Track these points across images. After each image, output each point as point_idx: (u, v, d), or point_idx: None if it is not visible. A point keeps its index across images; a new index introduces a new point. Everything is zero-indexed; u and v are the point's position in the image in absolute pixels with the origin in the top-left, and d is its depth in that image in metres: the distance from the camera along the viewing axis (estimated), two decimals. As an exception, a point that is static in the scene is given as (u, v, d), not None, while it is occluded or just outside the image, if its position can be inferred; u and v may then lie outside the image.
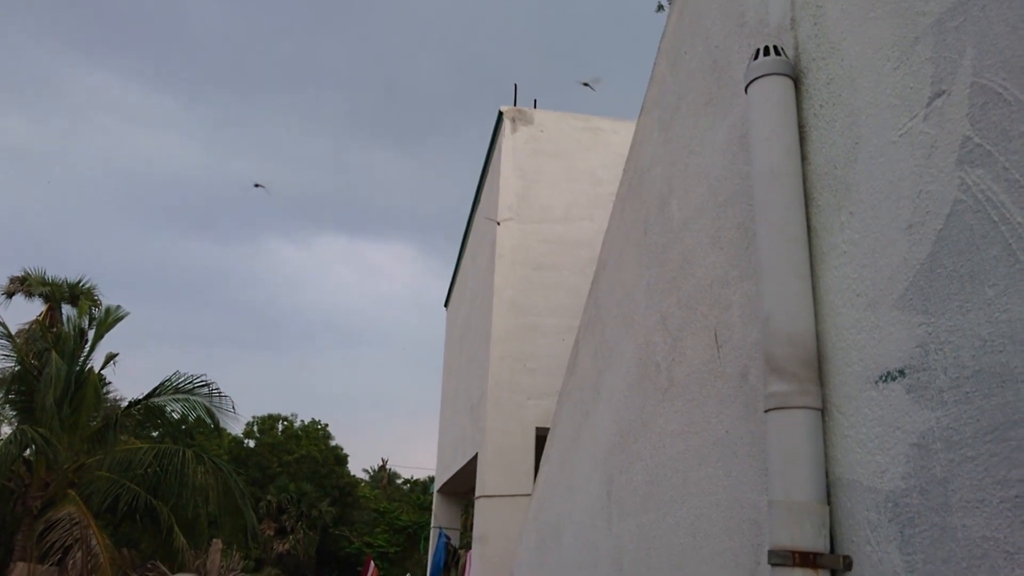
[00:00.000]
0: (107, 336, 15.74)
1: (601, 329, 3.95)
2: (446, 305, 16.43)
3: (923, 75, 1.62)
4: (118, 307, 16.27)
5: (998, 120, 1.41)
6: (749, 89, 2.17)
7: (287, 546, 37.33)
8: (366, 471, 52.45)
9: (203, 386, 15.74)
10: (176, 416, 16.53)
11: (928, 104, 1.60)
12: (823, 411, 1.84)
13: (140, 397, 15.58)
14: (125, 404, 16.39)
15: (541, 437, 8.08)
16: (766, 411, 1.90)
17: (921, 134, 1.61)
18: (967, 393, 1.41)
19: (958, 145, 1.50)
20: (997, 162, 1.40)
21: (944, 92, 1.55)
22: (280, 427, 45.03)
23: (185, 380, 15.66)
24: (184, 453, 14.73)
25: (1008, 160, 1.37)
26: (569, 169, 9.00)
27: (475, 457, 9.08)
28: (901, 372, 1.59)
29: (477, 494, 8.61)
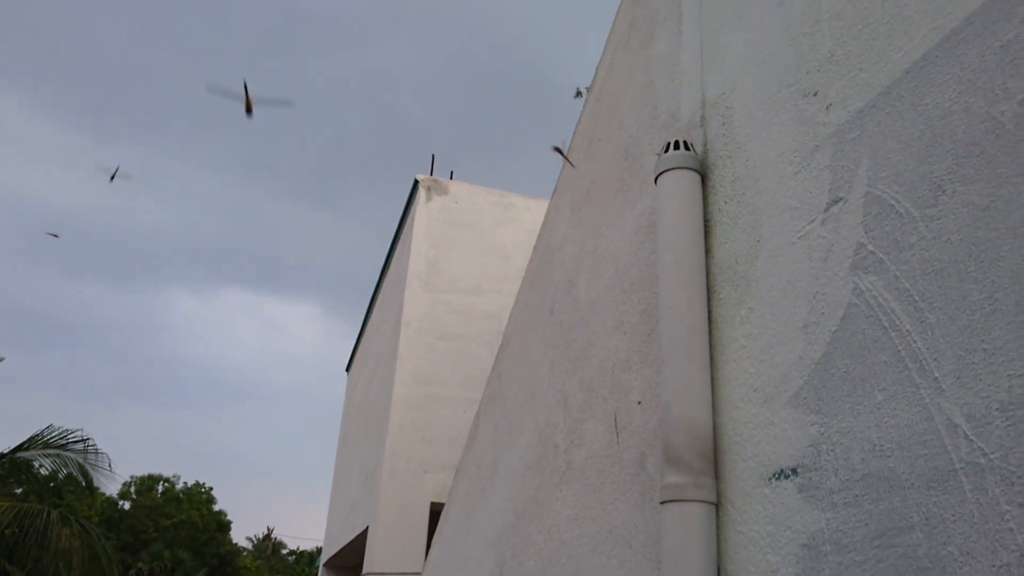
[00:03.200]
0: (-25, 382, 14.58)
1: (503, 405, 3.90)
2: (348, 369, 16.05)
3: (822, 181, 1.69)
4: (-9, 351, 15.13)
5: (890, 230, 1.46)
6: (658, 180, 2.22)
7: (155, 619, 34.76)
8: (250, 539, 49.84)
9: (78, 441, 14.65)
10: (45, 472, 15.32)
11: (826, 209, 1.66)
12: (718, 505, 1.82)
13: (5, 451, 14.39)
14: (-13, 457, 15.09)
15: (436, 512, 7.85)
16: (662, 503, 1.88)
17: (819, 237, 1.66)
18: (856, 496, 1.42)
19: (853, 251, 1.55)
20: (889, 270, 1.45)
21: (841, 199, 1.61)
22: (160, 488, 42.47)
23: (58, 434, 14.56)
24: (49, 513, 13.59)
25: (899, 269, 1.42)
26: (481, 242, 9.05)
27: (366, 530, 8.73)
28: (794, 471, 1.60)
29: (365, 570, 8.23)
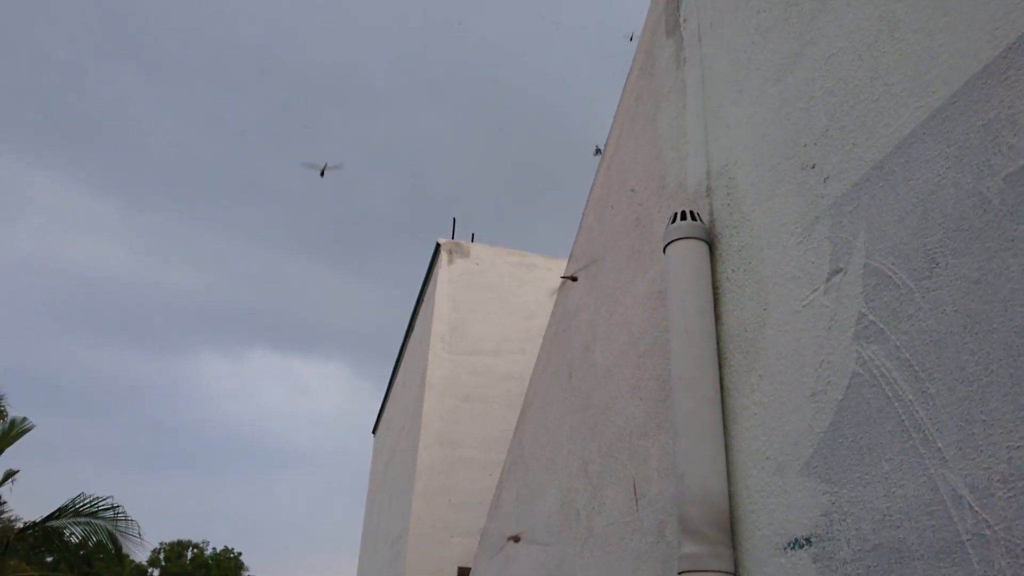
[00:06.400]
0: (9, 450, 14.75)
1: (524, 471, 3.90)
2: (374, 432, 16.03)
3: (823, 252, 1.73)
4: (24, 419, 15.31)
5: (889, 301, 1.50)
6: (667, 250, 2.27)
7: None
8: (278, 605, 49.15)
9: (108, 509, 14.75)
10: (76, 540, 15.37)
11: (828, 279, 1.69)
12: (735, 575, 1.82)
13: (37, 520, 14.48)
14: (20, 526, 15.18)
15: (463, 577, 7.74)
16: (679, 573, 1.88)
17: (822, 307, 1.70)
18: (869, 567, 1.42)
19: (855, 320, 1.59)
20: (889, 340, 1.48)
21: (841, 270, 1.65)
22: (189, 554, 42.25)
23: (89, 502, 14.67)
24: (78, 584, 13.60)
25: (899, 340, 1.45)
26: (502, 302, 9.13)
27: (393, 597, 8.62)
28: (808, 540, 1.60)
29: (393, 638, 8.12)
